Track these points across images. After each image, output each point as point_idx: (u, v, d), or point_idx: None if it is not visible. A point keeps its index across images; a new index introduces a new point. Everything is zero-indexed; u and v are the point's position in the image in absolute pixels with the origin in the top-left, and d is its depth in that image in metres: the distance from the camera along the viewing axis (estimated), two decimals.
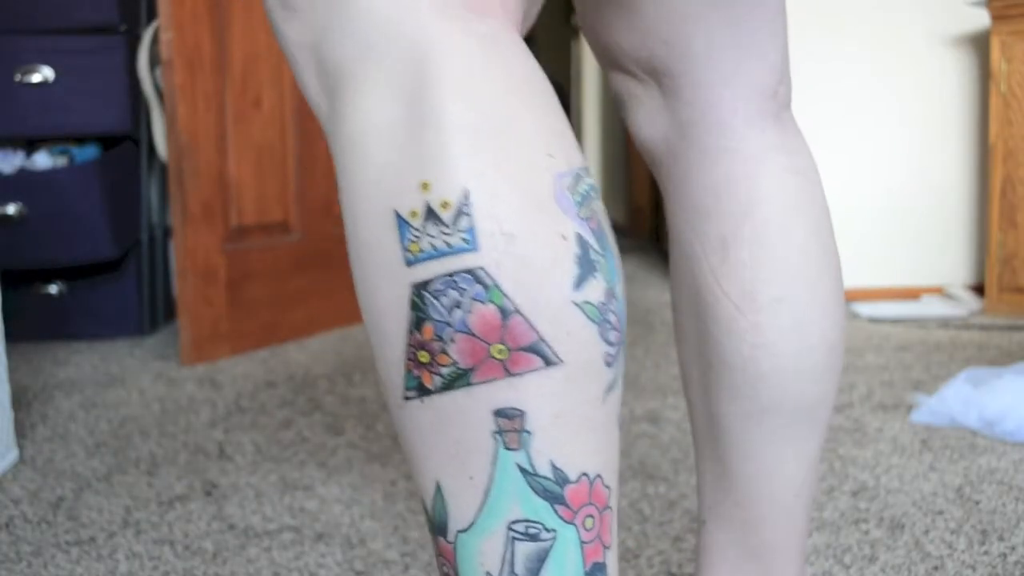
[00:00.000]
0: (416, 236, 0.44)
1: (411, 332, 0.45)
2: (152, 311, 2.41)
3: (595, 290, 0.46)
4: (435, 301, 0.44)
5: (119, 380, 1.93)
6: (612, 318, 0.47)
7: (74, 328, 2.33)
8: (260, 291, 2.22)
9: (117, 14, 2.18)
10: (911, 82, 2.75)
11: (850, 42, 2.73)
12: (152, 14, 2.30)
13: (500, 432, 0.45)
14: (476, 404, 0.45)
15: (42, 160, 2.19)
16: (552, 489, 0.46)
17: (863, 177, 2.78)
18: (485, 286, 0.44)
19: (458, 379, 0.45)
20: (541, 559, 0.46)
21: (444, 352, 0.45)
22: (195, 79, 2.03)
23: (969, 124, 2.77)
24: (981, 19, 2.68)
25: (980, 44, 2.72)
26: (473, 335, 0.44)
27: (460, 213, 0.44)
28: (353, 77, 0.47)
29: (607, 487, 0.48)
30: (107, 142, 2.29)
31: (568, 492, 0.46)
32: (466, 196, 0.44)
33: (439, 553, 0.48)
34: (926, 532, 1.12)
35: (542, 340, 0.44)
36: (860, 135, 2.77)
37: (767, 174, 0.68)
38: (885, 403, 1.67)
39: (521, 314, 0.44)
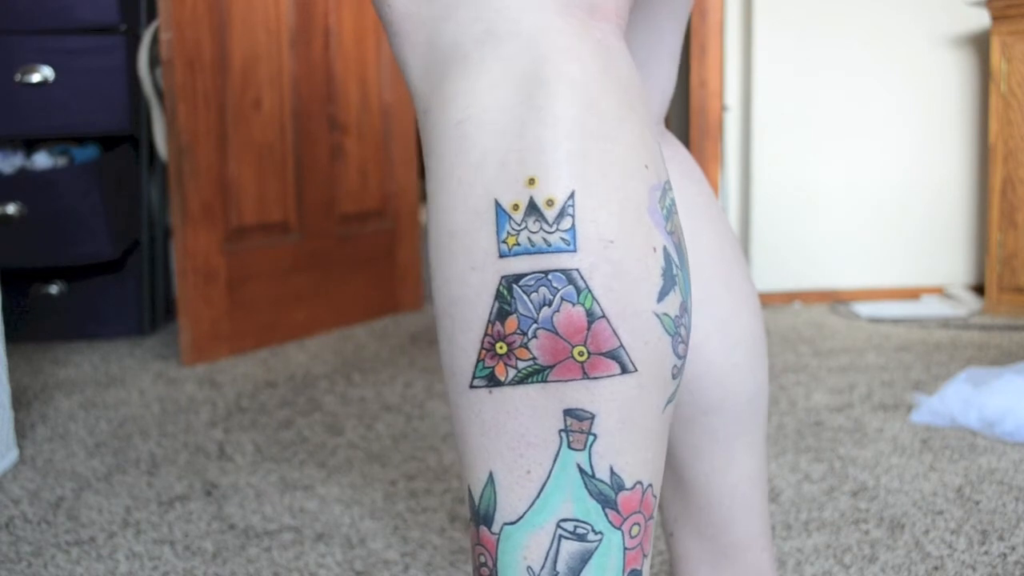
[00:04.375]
0: (515, 229, 0.44)
1: (491, 323, 0.45)
2: (152, 311, 2.41)
3: (674, 303, 0.47)
4: (524, 296, 0.44)
5: (119, 380, 1.93)
6: (683, 332, 0.48)
7: (74, 328, 2.33)
8: (260, 291, 2.22)
9: (117, 14, 2.18)
10: (911, 82, 2.75)
11: (850, 42, 2.73)
12: (152, 14, 2.30)
13: (567, 431, 0.46)
14: (548, 401, 0.45)
15: (42, 160, 2.19)
16: (607, 493, 0.46)
17: (863, 177, 2.78)
18: (578, 288, 0.44)
19: (534, 375, 0.45)
20: (584, 559, 0.46)
21: (525, 347, 0.45)
22: (195, 79, 2.03)
23: (969, 124, 2.77)
24: (981, 19, 2.68)
25: (980, 44, 2.72)
26: (558, 334, 0.44)
27: (563, 213, 0.44)
28: (467, 59, 0.47)
29: (655, 497, 0.48)
30: (107, 142, 2.29)
31: (621, 498, 0.47)
32: (571, 197, 0.44)
33: (479, 543, 0.48)
34: (926, 532, 1.12)
35: (623, 347, 0.45)
36: (860, 135, 2.77)
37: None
38: (885, 403, 1.67)
39: (607, 320, 0.44)
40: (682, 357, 0.48)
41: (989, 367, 1.71)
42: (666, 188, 0.48)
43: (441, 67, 0.48)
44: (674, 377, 0.48)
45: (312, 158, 2.35)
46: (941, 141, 2.78)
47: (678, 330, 0.47)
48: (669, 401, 0.48)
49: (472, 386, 0.47)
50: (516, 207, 0.45)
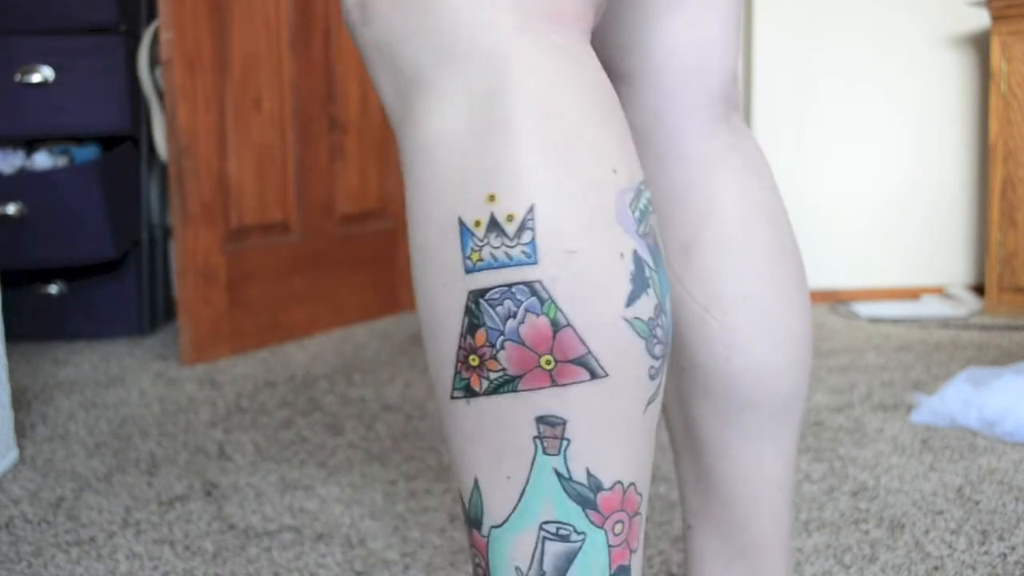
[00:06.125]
0: (478, 245, 0.46)
1: (464, 336, 0.47)
2: (152, 311, 2.41)
3: (646, 306, 0.47)
4: (491, 310, 0.46)
5: (119, 380, 1.93)
6: (659, 332, 0.48)
7: (74, 328, 2.33)
8: (260, 291, 2.22)
9: (117, 14, 2.19)
10: (911, 82, 2.75)
11: (850, 42, 2.73)
12: (152, 14, 2.30)
13: (541, 437, 0.47)
14: (520, 410, 0.46)
15: (42, 160, 2.19)
16: (585, 495, 0.47)
17: (863, 177, 2.78)
18: (541, 299, 0.45)
19: (505, 384, 0.46)
20: (569, 559, 0.47)
21: (494, 358, 0.46)
22: (195, 79, 2.03)
23: (969, 124, 2.77)
24: (981, 19, 2.68)
25: (980, 44, 2.72)
26: (524, 345, 0.45)
27: (524, 227, 0.45)
28: (428, 84, 0.48)
29: (639, 494, 0.49)
30: (107, 142, 2.29)
31: (600, 499, 0.47)
32: (531, 210, 0.45)
33: (472, 544, 0.50)
34: (926, 532, 1.12)
35: (590, 354, 0.46)
36: (860, 135, 2.77)
37: (724, 177, 0.69)
38: (885, 403, 1.67)
39: (573, 328, 0.45)
40: (659, 357, 0.48)
41: (989, 367, 1.71)
42: (640, 189, 0.48)
43: (407, 90, 0.49)
44: (652, 378, 0.48)
45: (312, 158, 2.35)
46: (941, 141, 2.78)
47: (653, 332, 0.48)
48: (651, 401, 0.49)
49: (453, 397, 0.48)
50: (478, 224, 0.46)
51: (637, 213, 0.48)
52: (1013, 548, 1.07)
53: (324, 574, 1.05)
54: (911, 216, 2.79)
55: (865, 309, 2.59)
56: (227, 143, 2.13)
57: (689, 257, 0.68)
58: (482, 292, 0.46)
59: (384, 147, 2.56)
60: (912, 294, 2.79)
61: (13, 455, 1.43)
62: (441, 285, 0.47)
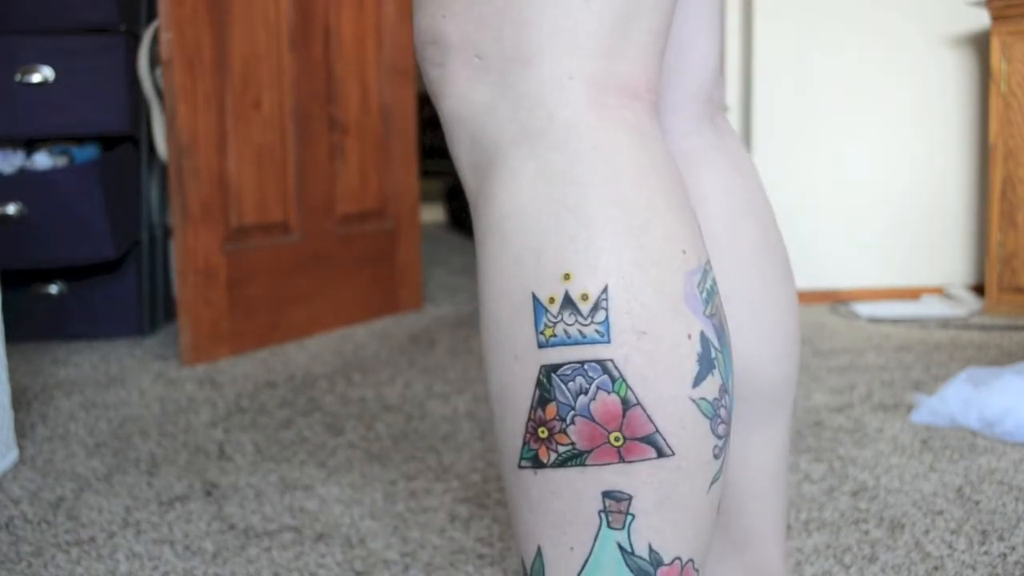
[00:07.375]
0: (552, 321, 0.47)
1: (534, 409, 0.48)
2: (152, 311, 2.41)
3: (711, 387, 0.49)
4: (562, 385, 0.47)
5: (119, 380, 1.93)
6: (723, 412, 0.50)
7: (74, 328, 2.33)
8: (260, 291, 2.22)
9: (117, 14, 2.18)
10: (911, 82, 2.75)
11: (850, 42, 2.73)
12: (152, 14, 2.30)
13: (606, 512, 0.48)
14: (587, 483, 0.48)
15: (42, 160, 2.19)
16: (646, 569, 0.48)
17: (863, 177, 2.78)
18: (612, 377, 0.47)
19: (573, 458, 0.48)
20: None
21: (564, 432, 0.47)
22: (195, 79, 2.03)
23: (969, 124, 2.77)
24: (981, 19, 2.68)
25: (980, 44, 2.72)
26: (594, 421, 0.47)
27: (597, 306, 0.47)
28: (505, 159, 0.50)
29: (696, 570, 0.51)
30: (107, 142, 2.29)
31: (660, 573, 0.49)
32: (605, 290, 0.47)
33: None
34: (926, 532, 1.12)
35: (658, 432, 0.47)
36: (860, 135, 2.77)
37: (709, 175, 0.70)
38: (885, 403, 1.67)
39: (642, 407, 0.47)
40: (722, 437, 0.50)
41: (989, 367, 1.71)
42: (706, 270, 0.50)
43: (484, 164, 0.51)
44: (716, 457, 0.49)
45: (312, 158, 2.35)
46: (941, 141, 2.78)
47: (717, 412, 0.49)
48: (715, 480, 0.50)
49: (520, 466, 0.50)
50: (552, 300, 0.47)
51: (704, 294, 0.49)
52: (1013, 548, 1.07)
53: (324, 574, 1.05)
54: (911, 216, 2.79)
55: (865, 309, 2.59)
56: (227, 143, 2.13)
57: None
58: (554, 367, 0.47)
59: (384, 147, 2.56)
60: (912, 294, 2.79)
61: (13, 455, 1.43)
62: (513, 358, 0.48)
